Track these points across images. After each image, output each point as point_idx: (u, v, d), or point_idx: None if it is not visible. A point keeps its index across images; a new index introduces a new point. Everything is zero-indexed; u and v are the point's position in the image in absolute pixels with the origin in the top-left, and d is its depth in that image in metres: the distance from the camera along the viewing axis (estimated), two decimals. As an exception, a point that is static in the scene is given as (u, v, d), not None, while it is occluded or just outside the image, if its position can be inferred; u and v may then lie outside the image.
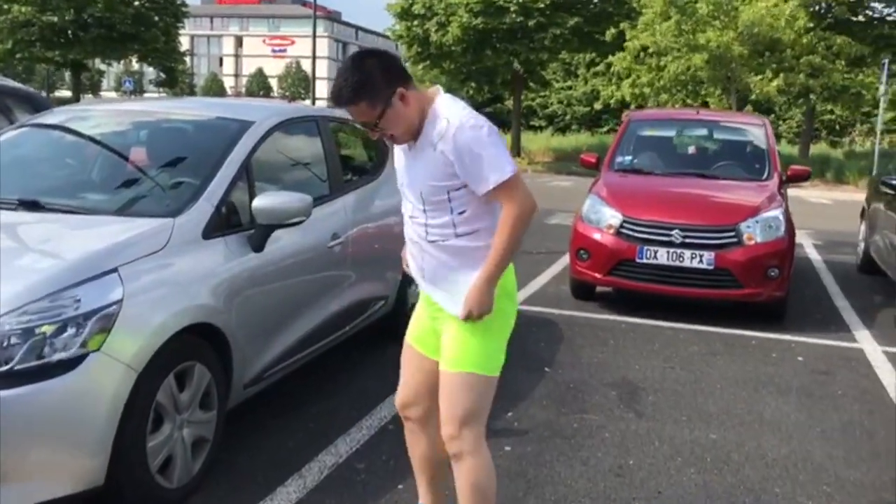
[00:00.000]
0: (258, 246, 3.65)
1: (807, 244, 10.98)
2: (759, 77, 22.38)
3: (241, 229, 3.66)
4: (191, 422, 3.24)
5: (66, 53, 32.34)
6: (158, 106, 4.89)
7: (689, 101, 25.07)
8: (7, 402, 2.61)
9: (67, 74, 42.46)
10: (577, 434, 4.10)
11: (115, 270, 2.96)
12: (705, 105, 24.34)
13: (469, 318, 2.52)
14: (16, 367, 2.64)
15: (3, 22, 31.44)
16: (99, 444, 2.80)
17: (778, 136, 42.29)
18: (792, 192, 19.05)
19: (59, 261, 2.95)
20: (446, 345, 2.61)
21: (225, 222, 3.59)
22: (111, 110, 5.04)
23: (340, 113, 5.75)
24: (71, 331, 2.76)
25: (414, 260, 2.70)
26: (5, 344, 2.66)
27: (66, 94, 46.36)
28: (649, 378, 5.04)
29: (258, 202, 3.62)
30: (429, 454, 2.89)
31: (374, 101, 2.42)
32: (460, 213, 2.52)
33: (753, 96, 24.50)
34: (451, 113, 2.47)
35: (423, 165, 2.51)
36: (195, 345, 3.25)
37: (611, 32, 24.01)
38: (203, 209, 3.49)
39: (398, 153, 2.67)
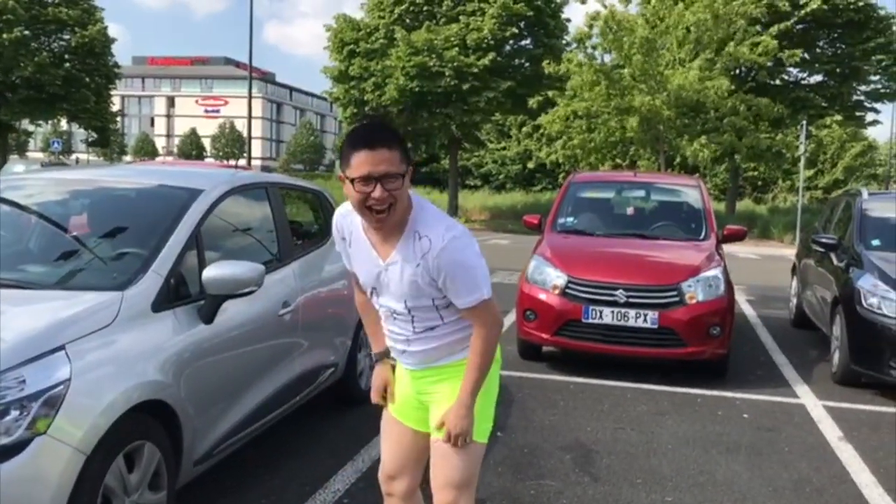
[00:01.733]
0: (208, 317, 3.56)
1: (741, 299, 11.25)
2: (686, 139, 23.19)
3: (191, 300, 3.56)
4: (140, 503, 3.10)
5: (-8, 114, 31.64)
6: (97, 174, 4.78)
7: (619, 161, 25.78)
8: (-55, 491, 2.46)
9: (-7, 135, 41.45)
10: (536, 501, 4.06)
11: (61, 348, 2.84)
12: (634, 164, 25.05)
13: (455, 439, 2.53)
14: (-43, 454, 2.49)
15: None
16: (44, 532, 2.65)
17: (705, 194, 43.83)
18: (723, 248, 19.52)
19: (1, 339, 2.82)
20: (437, 414, 2.61)
21: (174, 294, 3.49)
22: (50, 179, 4.89)
23: (288, 179, 5.74)
24: (14, 413, 2.63)
25: (397, 349, 2.69)
26: (-55, 429, 2.51)
27: (-9, 155, 45.09)
28: (602, 440, 5.05)
29: (208, 272, 3.54)
30: None
31: (403, 159, 2.38)
32: (446, 308, 2.54)
33: (679, 157, 25.34)
34: (431, 232, 2.43)
35: (406, 279, 2.48)
36: (145, 423, 3.13)
37: (536, 100, 24.69)
38: (152, 281, 3.39)
39: (360, 252, 2.59)
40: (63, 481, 2.69)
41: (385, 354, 2.83)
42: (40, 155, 69.10)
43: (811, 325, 8.39)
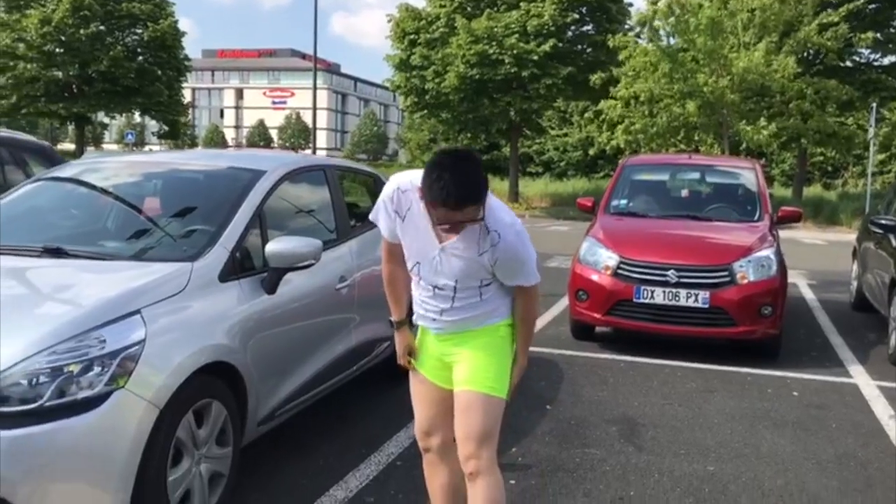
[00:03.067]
0: (271, 288, 3.82)
1: (801, 284, 11.15)
2: (751, 124, 22.79)
3: (255, 272, 3.83)
4: (208, 457, 3.38)
5: (70, 107, 32.91)
6: (172, 157, 5.12)
7: (682, 146, 25.46)
8: (37, 437, 2.75)
9: (71, 127, 43.08)
10: (579, 468, 4.22)
11: (137, 312, 3.13)
12: (697, 151, 24.72)
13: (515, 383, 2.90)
14: (45, 404, 2.79)
15: (9, 78, 32.02)
16: (122, 478, 2.93)
17: (771, 180, 42.83)
18: (786, 233, 19.27)
19: (85, 303, 3.12)
20: (463, 369, 2.84)
21: (240, 266, 3.76)
22: (126, 162, 5.25)
23: (346, 162, 6.00)
24: (96, 369, 2.91)
25: (429, 317, 2.89)
26: (35, 382, 2.81)
27: (69, 146, 46.94)
28: (648, 414, 5.17)
29: (271, 246, 3.80)
30: (449, 483, 3.05)
31: (482, 204, 2.57)
32: (487, 286, 2.80)
33: (745, 143, 24.91)
34: (498, 224, 2.66)
35: (464, 262, 2.72)
36: (212, 383, 3.40)
37: (598, 76, 24.48)
38: (219, 254, 3.67)
39: (414, 228, 2.76)
40: (139, 432, 2.97)
41: (404, 322, 3.05)
42: (115, 147, 71.48)
43: (871, 307, 8.31)
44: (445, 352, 2.91)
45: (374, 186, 5.72)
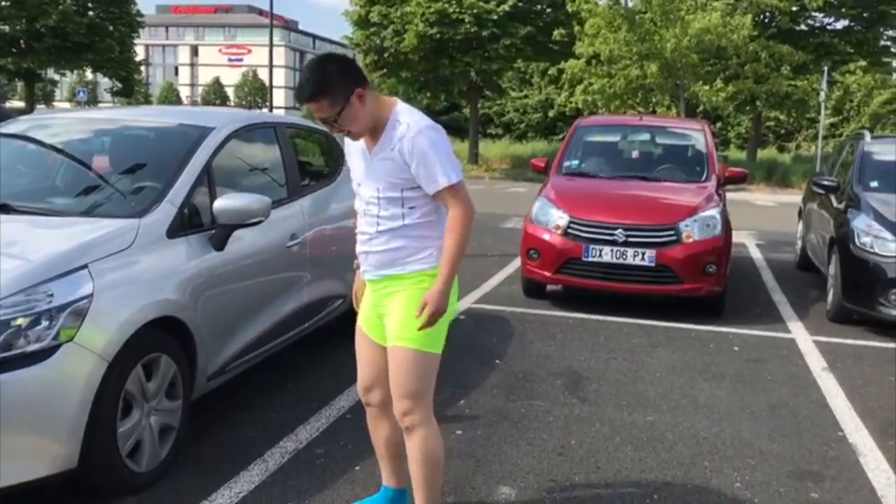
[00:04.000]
0: (219, 245, 3.86)
1: (749, 244, 11.44)
2: (707, 86, 23.03)
3: (203, 229, 3.87)
4: (158, 410, 3.44)
5: (18, 63, 31.93)
6: (122, 114, 5.09)
7: (640, 108, 25.67)
8: (-15, 389, 2.79)
9: (20, 85, 41.89)
10: (524, 418, 4.37)
11: (85, 267, 3.16)
12: (654, 112, 24.96)
13: (428, 317, 2.74)
14: (-7, 357, 2.82)
15: (-48, 32, 30.98)
16: (72, 428, 2.99)
17: (727, 142, 43.37)
18: (739, 195, 19.67)
19: (32, 258, 3.14)
20: (392, 324, 2.86)
21: (188, 223, 3.79)
22: (75, 118, 5.20)
23: (298, 120, 5.99)
24: (44, 323, 2.95)
25: (362, 251, 2.93)
26: (-18, 336, 2.84)
27: (19, 104, 45.69)
28: (593, 368, 5.34)
29: (219, 203, 3.83)
30: (391, 436, 3.12)
31: (334, 100, 2.68)
32: (411, 209, 2.81)
33: (702, 105, 25.16)
34: (410, 118, 2.76)
35: (383, 165, 2.78)
36: (161, 337, 3.45)
37: (559, 32, 24.50)
38: (167, 210, 3.69)
39: (355, 155, 2.94)
40: (88, 384, 3.02)
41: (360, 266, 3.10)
42: (67, 104, 69.70)
43: (814, 267, 8.58)
44: (378, 302, 2.93)
45: (327, 145, 5.75)
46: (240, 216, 3.87)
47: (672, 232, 6.59)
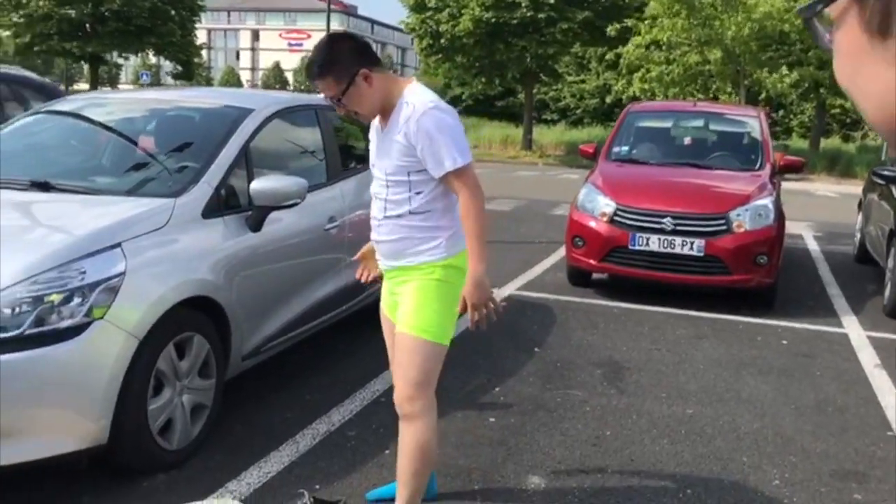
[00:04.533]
0: (255, 226, 3.87)
1: (807, 235, 11.11)
2: (770, 73, 22.36)
3: (240, 210, 3.88)
4: (190, 389, 3.47)
5: (83, 47, 32.72)
6: (171, 95, 5.14)
7: (699, 95, 25.10)
8: (18, 364, 2.84)
9: (86, 68, 42.91)
10: (560, 408, 4.30)
11: (118, 245, 3.19)
12: (715, 100, 24.37)
13: (474, 310, 2.71)
14: (26, 332, 2.87)
15: (22, 16, 31.86)
16: (102, 405, 3.03)
17: (790, 131, 42.11)
18: (798, 185, 19.10)
19: (67, 235, 3.18)
20: (401, 312, 2.83)
21: (224, 203, 3.81)
22: (122, 98, 5.27)
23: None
24: (77, 300, 2.99)
25: (374, 238, 2.93)
26: (16, 311, 2.89)
27: (84, 87, 46.84)
28: (635, 359, 5.23)
29: (255, 184, 3.84)
30: None
31: (339, 78, 2.67)
32: (417, 193, 2.75)
33: (765, 92, 24.45)
34: (416, 99, 2.70)
35: (391, 146, 2.74)
36: (194, 317, 3.48)
37: (614, 27, 24.04)
38: (203, 190, 3.71)
39: (372, 135, 2.92)
40: (119, 361, 3.06)
41: None
42: (130, 87, 71.32)
43: (873, 260, 8.28)
44: (393, 290, 2.92)
45: (366, 130, 5.71)
46: (276, 198, 3.87)
47: (722, 221, 6.42)
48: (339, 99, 2.70)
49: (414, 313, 2.78)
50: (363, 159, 5.54)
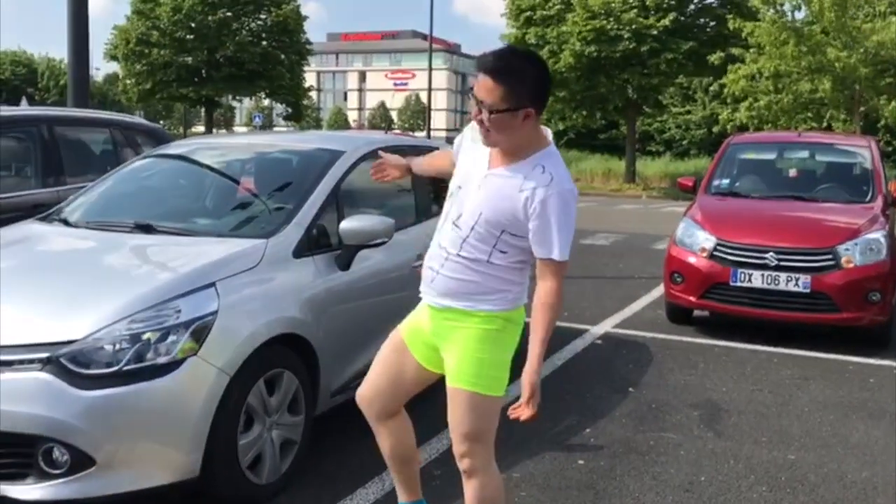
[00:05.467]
0: (344, 265, 3.96)
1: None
2: (889, 100, 21.31)
3: (330, 250, 3.97)
4: (279, 424, 3.55)
5: (199, 91, 34.56)
6: (268, 139, 5.34)
7: (812, 124, 24.20)
8: (116, 398, 2.98)
9: (202, 111, 45.24)
10: (652, 451, 4.17)
11: (212, 285, 3.32)
12: (829, 128, 23.44)
13: (529, 402, 2.53)
14: (124, 368, 3.01)
15: (144, 65, 33.93)
16: (194, 439, 3.13)
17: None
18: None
19: (164, 276, 3.35)
20: (451, 361, 2.67)
21: (315, 243, 3.91)
22: (224, 143, 5.52)
23: (433, 143, 6.07)
24: (172, 337, 3.12)
25: (430, 267, 2.71)
26: (116, 348, 3.04)
27: (201, 129, 49.24)
28: (735, 400, 5.03)
29: (344, 224, 3.93)
30: (394, 447, 3.05)
31: (508, 95, 2.44)
32: (501, 252, 2.58)
33: (884, 120, 23.34)
34: (557, 172, 2.52)
35: (500, 195, 2.53)
36: (284, 354, 3.57)
37: (717, 56, 23.49)
38: (294, 231, 3.83)
39: (467, 156, 2.70)
40: (210, 397, 3.16)
41: (409, 166, 3.21)
42: (244, 129, 74.51)
43: None
44: (437, 332, 2.73)
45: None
46: (364, 237, 3.94)
47: (830, 256, 6.14)
48: (490, 111, 2.45)
49: (467, 364, 2.63)
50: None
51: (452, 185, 2.72)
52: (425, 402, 4.75)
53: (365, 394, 2.98)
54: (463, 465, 2.74)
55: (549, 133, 2.68)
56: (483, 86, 2.46)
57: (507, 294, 2.64)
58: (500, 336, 2.65)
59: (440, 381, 2.81)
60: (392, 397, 2.94)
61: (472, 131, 2.73)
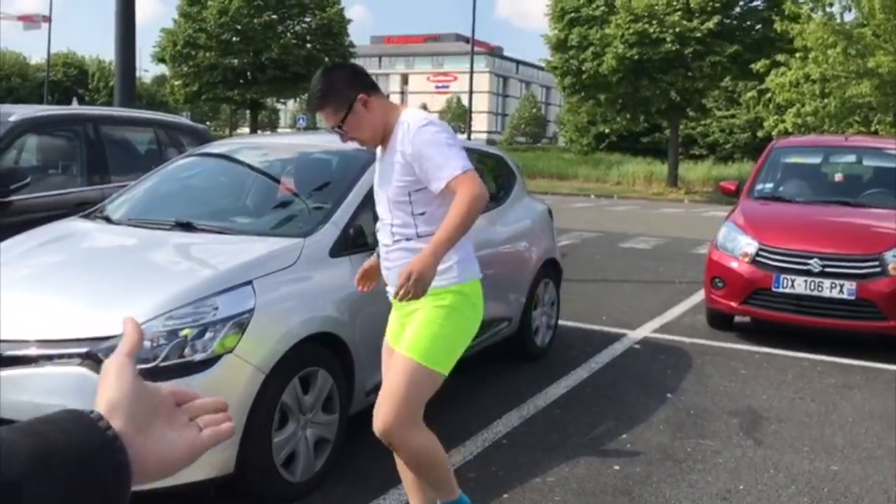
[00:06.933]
0: (381, 265, 3.96)
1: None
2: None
3: (366, 249, 3.97)
4: (314, 422, 3.57)
5: (244, 93, 34.99)
6: (310, 139, 5.38)
7: (860, 129, 23.67)
8: (154, 393, 3.02)
9: (247, 113, 45.85)
10: (690, 458, 4.11)
11: (249, 283, 3.35)
12: (875, 134, 22.91)
13: (407, 280, 2.53)
14: (161, 364, 3.05)
15: (191, 67, 34.46)
16: (230, 436, 3.15)
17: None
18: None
19: (202, 273, 3.38)
20: (406, 333, 2.80)
21: (351, 243, 3.93)
22: (266, 142, 5.58)
23: (471, 144, 6.06)
24: (209, 334, 3.15)
25: (384, 266, 2.91)
26: (154, 344, 3.08)
27: (246, 130, 49.86)
28: (776, 408, 4.94)
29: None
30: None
31: (338, 107, 2.72)
32: (420, 214, 2.76)
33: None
34: (410, 118, 2.75)
35: (390, 168, 2.78)
36: (319, 353, 3.59)
37: (762, 63, 23.11)
38: (331, 231, 3.85)
39: (376, 164, 2.96)
40: (246, 394, 3.19)
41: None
42: (288, 131, 75.28)
43: None
44: (402, 321, 2.88)
45: (497, 168, 5.76)
46: (400, 237, 3.94)
47: (876, 262, 5.99)
48: (341, 126, 2.74)
49: (415, 335, 2.74)
50: (493, 197, 5.59)
51: (375, 195, 2.98)
52: (460, 405, 4.77)
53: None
54: (379, 425, 2.75)
55: (402, 105, 2.93)
56: (324, 119, 2.80)
57: (450, 265, 2.74)
58: (454, 312, 2.76)
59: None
60: None
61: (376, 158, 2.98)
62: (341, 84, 2.75)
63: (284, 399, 3.37)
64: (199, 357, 3.11)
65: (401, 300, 2.62)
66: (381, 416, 2.76)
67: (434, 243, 2.58)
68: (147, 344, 3.07)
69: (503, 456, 4.03)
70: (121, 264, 3.64)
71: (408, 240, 2.80)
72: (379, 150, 2.91)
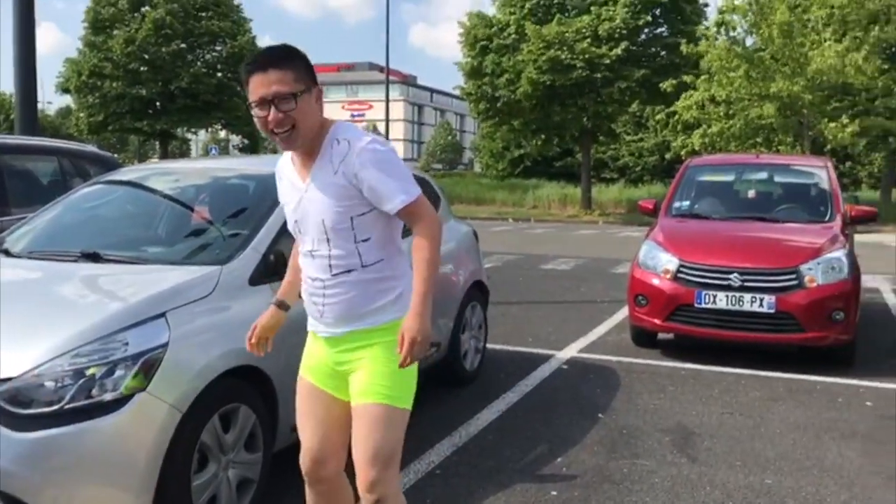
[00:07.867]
0: (303, 292, 3.78)
1: (884, 289, 10.60)
2: (833, 123, 21.82)
3: (288, 277, 3.79)
4: (236, 462, 3.35)
5: (154, 123, 34.03)
6: (225, 164, 5.17)
7: (761, 149, 24.61)
8: (59, 439, 2.76)
9: (158, 144, 44.65)
10: (627, 479, 4.04)
11: (162, 315, 3.12)
12: (777, 153, 23.88)
13: (410, 347, 2.34)
14: (66, 407, 2.79)
15: (97, 97, 33.37)
16: (144, 480, 2.92)
17: (858, 182, 40.94)
18: (870, 237, 18.41)
19: (110, 306, 3.14)
20: (362, 379, 2.50)
21: (272, 270, 3.72)
22: (176, 167, 5.31)
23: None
24: (119, 372, 2.91)
25: (314, 303, 2.56)
26: (58, 385, 2.82)
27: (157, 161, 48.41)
28: (706, 424, 4.94)
29: (303, 250, 3.76)
30: None
31: (297, 77, 2.35)
32: (364, 241, 2.45)
33: (829, 144, 23.87)
34: (350, 135, 2.43)
35: (324, 192, 2.42)
36: (240, 387, 3.38)
37: (670, 83, 23.87)
38: (250, 257, 3.65)
39: (287, 189, 2.59)
40: (161, 435, 2.96)
41: (282, 304, 2.82)
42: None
43: (959, 313, 7.81)
44: (340, 360, 2.56)
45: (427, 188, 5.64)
46: (323, 263, 3.77)
47: (793, 275, 6.12)
48: (295, 97, 2.32)
49: (375, 379, 2.46)
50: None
51: (290, 222, 2.59)
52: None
53: (312, 455, 2.67)
54: (376, 493, 2.45)
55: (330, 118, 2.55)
56: (269, 79, 2.32)
57: (398, 293, 2.50)
58: None
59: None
60: (340, 444, 2.66)
61: (281, 167, 2.63)
62: (306, 64, 2.41)
63: (204, 438, 3.15)
64: (108, 397, 2.87)
65: (404, 367, 2.40)
66: (372, 478, 2.45)
67: (420, 297, 2.37)
68: (50, 385, 2.82)
69: (437, 487, 3.88)
70: (20, 300, 3.34)
71: (349, 271, 2.46)
72: (289, 172, 2.55)
